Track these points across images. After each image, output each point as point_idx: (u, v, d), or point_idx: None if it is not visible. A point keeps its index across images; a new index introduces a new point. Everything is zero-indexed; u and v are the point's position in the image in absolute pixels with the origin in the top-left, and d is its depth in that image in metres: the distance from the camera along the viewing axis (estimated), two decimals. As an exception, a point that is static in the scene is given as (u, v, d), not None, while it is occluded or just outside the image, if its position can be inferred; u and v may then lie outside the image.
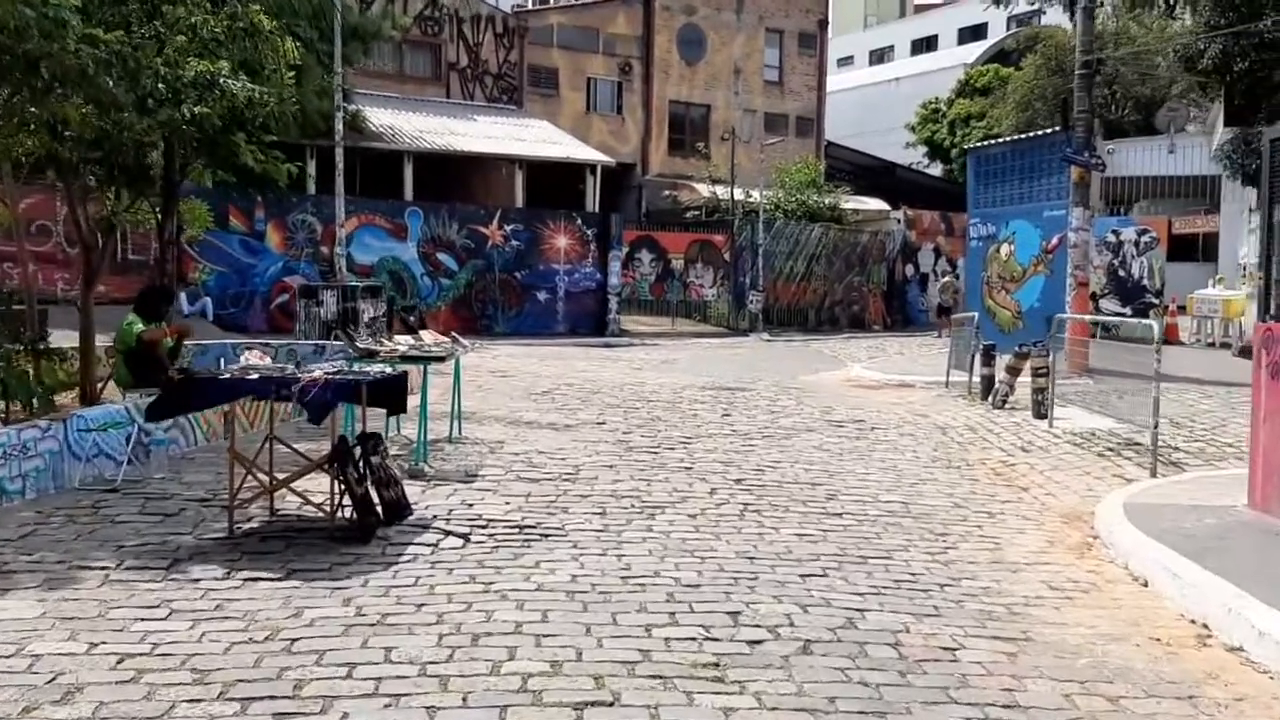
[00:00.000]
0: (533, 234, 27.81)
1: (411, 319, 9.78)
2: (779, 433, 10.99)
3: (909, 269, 37.48)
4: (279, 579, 5.59)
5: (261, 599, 5.27)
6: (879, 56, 62.58)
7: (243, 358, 6.98)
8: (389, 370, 7.08)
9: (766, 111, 39.87)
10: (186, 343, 10.15)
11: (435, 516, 6.88)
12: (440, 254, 27.00)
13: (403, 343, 8.81)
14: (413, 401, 9.00)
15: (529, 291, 27.94)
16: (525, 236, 27.71)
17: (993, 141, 23.75)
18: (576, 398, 13.18)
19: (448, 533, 6.47)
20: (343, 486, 6.30)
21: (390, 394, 6.92)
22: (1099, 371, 18.32)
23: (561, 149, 30.84)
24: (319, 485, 6.99)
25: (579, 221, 28.53)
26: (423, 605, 5.17)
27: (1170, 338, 19.95)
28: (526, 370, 17.22)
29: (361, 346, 8.32)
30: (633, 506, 7.30)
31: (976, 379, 15.15)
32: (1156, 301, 20.11)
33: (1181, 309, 20.10)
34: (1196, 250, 22.43)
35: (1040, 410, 12.30)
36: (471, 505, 7.22)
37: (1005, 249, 22.66)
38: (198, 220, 16.09)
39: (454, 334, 9.77)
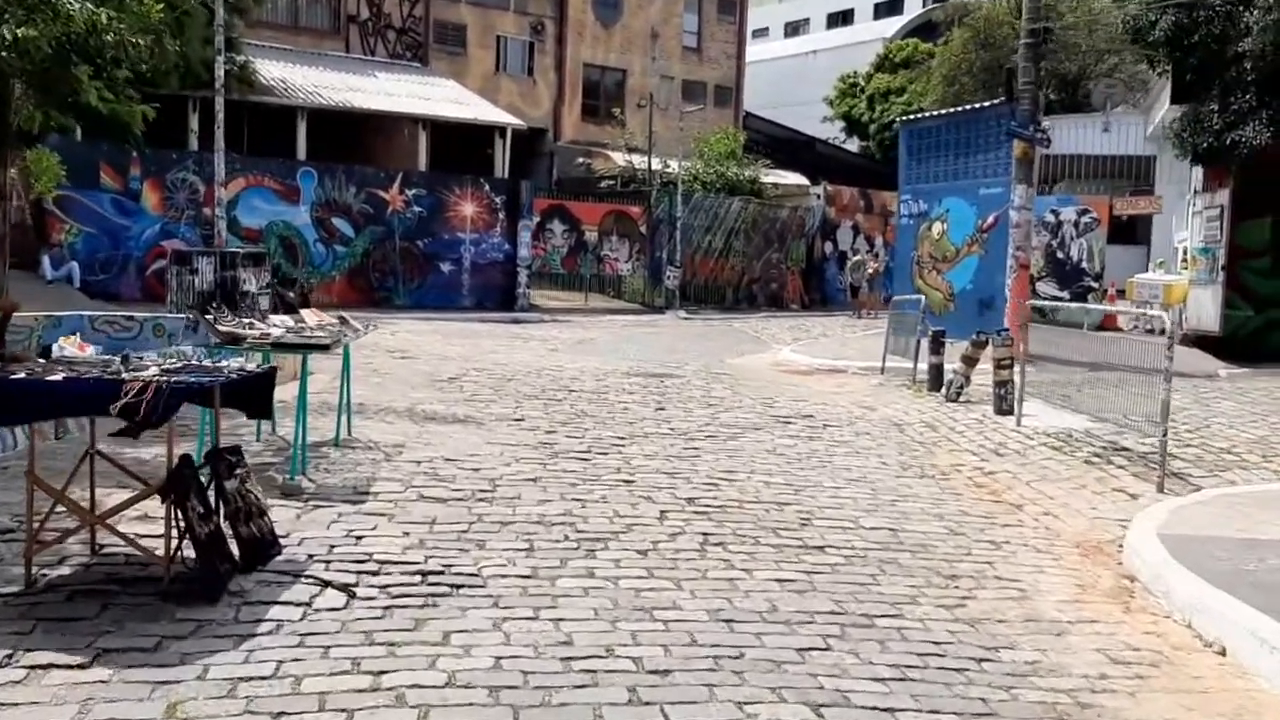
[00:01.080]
0: (437, 200, 25.92)
1: (291, 295, 7.95)
2: (723, 432, 9.59)
3: (828, 246, 36.53)
4: (81, 665, 3.97)
5: (47, 705, 3.66)
6: (794, 29, 61.53)
7: (55, 348, 5.26)
8: (251, 366, 5.42)
9: (685, 79, 38.39)
10: (28, 316, 8.30)
11: (311, 557, 5.29)
12: (335, 219, 24.95)
13: (278, 326, 7.13)
14: (290, 392, 7.35)
15: (432, 262, 26.07)
16: (428, 202, 25.81)
17: (926, 114, 22.73)
18: (488, 386, 11.58)
19: (325, 584, 4.89)
20: (182, 525, 4.68)
21: (253, 394, 5.28)
22: (1039, 358, 17.42)
23: (469, 110, 28.94)
24: (159, 514, 5.34)
25: (487, 188, 26.72)
26: (281, 717, 3.61)
27: (1108, 324, 19.16)
28: (430, 350, 15.52)
29: (224, 330, 6.63)
30: (567, 539, 5.80)
31: (923, 366, 14.01)
32: (1095, 285, 19.29)
33: (1121, 293, 19.35)
34: (1131, 233, 21.77)
35: (1003, 406, 11.15)
36: (360, 538, 5.63)
37: (938, 227, 21.67)
38: (46, 174, 13.96)
39: (343, 314, 8.10)
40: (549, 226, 28.98)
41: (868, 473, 8.18)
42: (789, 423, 10.43)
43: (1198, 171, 17.76)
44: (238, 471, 5.12)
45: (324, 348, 6.67)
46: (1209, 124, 16.06)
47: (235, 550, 4.98)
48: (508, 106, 32.33)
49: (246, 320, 7.19)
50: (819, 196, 36.07)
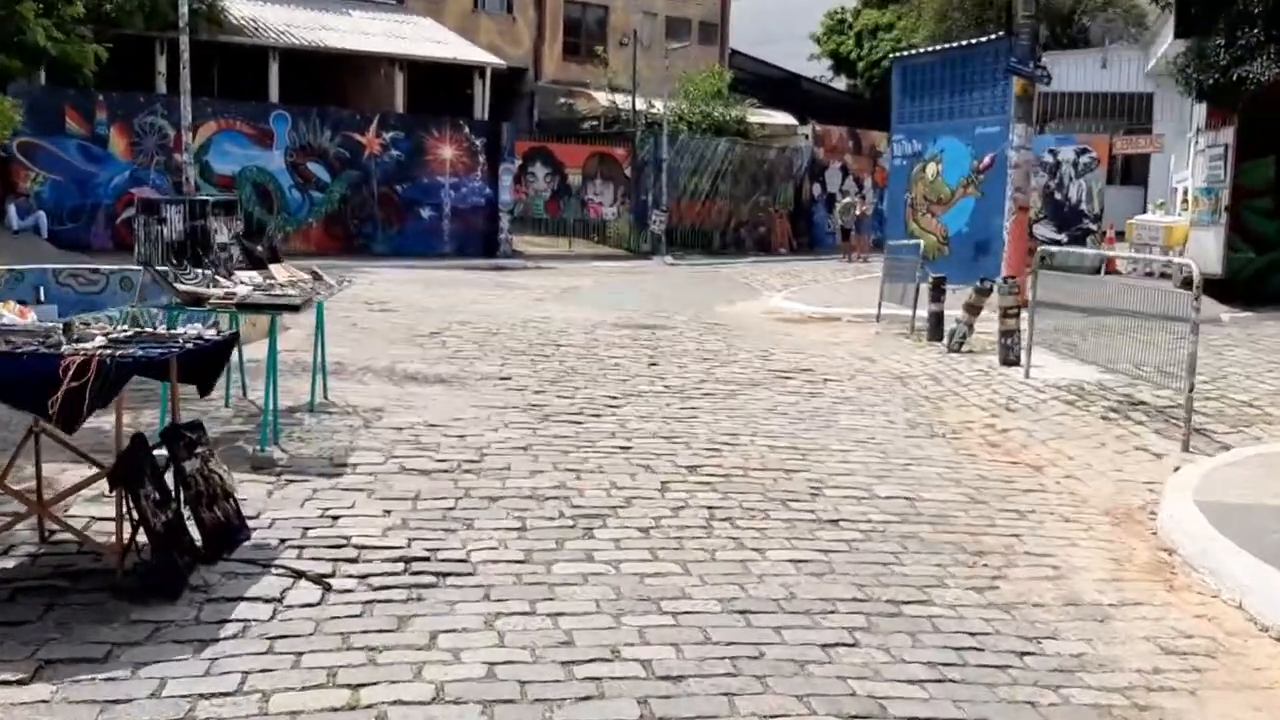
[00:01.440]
0: (415, 143, 25.16)
1: (259, 248, 7.38)
2: (720, 389, 9.13)
3: (816, 188, 35.90)
4: (21, 680, 3.51)
5: (-24, 732, 3.21)
6: (779, -36, 60.13)
7: (-9, 315, 4.71)
8: (212, 332, 4.90)
9: (668, 15, 37.38)
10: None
11: (283, 542, 4.82)
12: (311, 164, 24.21)
13: (245, 283, 6.60)
14: (264, 351, 6.83)
15: (411, 207, 25.39)
16: (406, 146, 25.05)
17: (920, 51, 22.05)
18: (472, 340, 11.07)
19: (298, 575, 4.43)
20: (135, 516, 4.20)
21: (207, 366, 4.77)
22: (1043, 305, 17.00)
23: (447, 49, 28.05)
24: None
25: (466, 130, 25.96)
26: (246, 745, 3.17)
27: (1108, 268, 18.73)
28: (410, 301, 14.97)
29: (185, 289, 6.10)
30: (562, 515, 5.35)
31: (922, 313, 13.58)
32: (1094, 228, 18.81)
33: (1120, 235, 18.89)
34: (1127, 173, 21.27)
35: (1009, 356, 10.72)
36: (336, 518, 5.16)
37: (932, 168, 21.12)
38: (1, 120, 13.23)
39: (316, 269, 7.55)
40: (531, 170, 28.27)
41: (875, 432, 7.75)
42: (788, 378, 9.98)
43: (1200, 109, 17.23)
44: (199, 450, 4.63)
45: (294, 308, 6.14)
46: (1215, 59, 15.49)
47: (198, 537, 4.51)
48: (487, 45, 31.40)
49: (211, 277, 6.65)
50: (807, 137, 35.37)
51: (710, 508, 5.58)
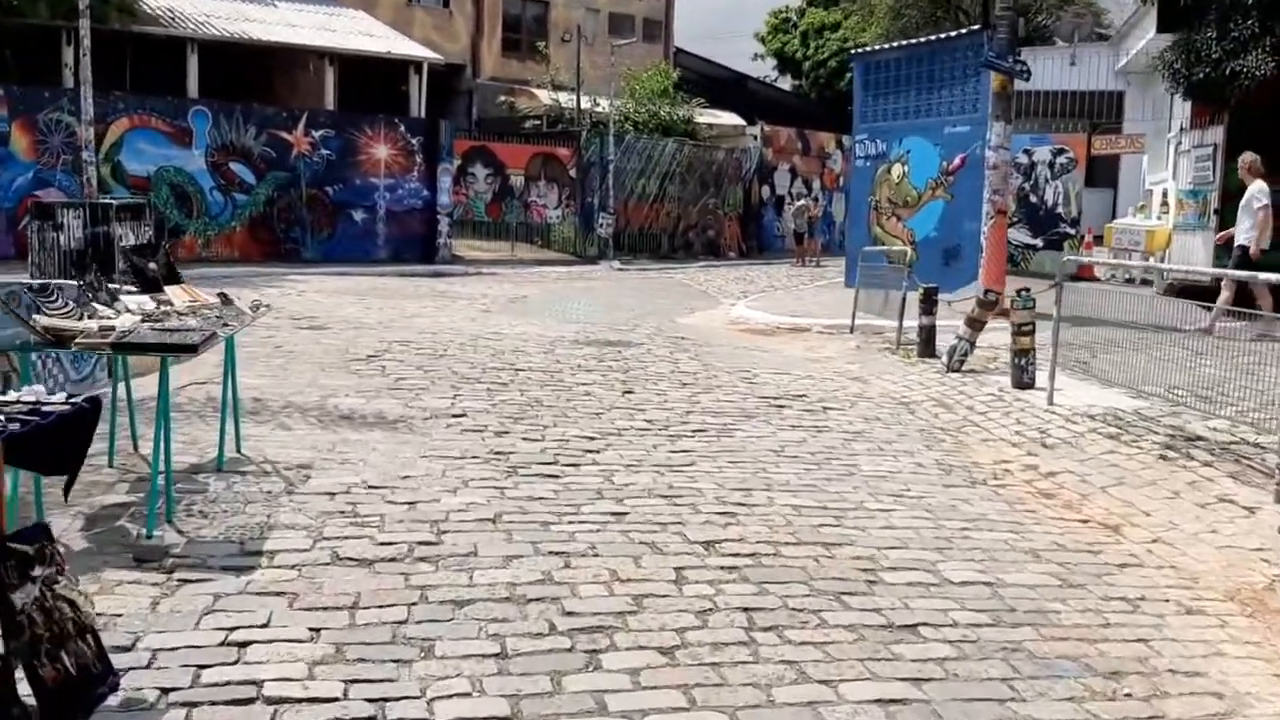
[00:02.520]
0: (347, 142, 23.51)
1: (151, 265, 5.85)
2: (711, 424, 7.81)
3: (765, 190, 34.85)
4: None
5: None
6: (719, -37, 59.19)
7: None
8: (59, 397, 3.44)
9: (611, 11, 36.08)
10: None
11: (165, 694, 3.39)
12: (234, 164, 22.45)
13: (131, 310, 5.12)
14: (148, 388, 5.35)
15: (343, 210, 23.73)
16: (337, 145, 23.40)
17: (884, 46, 20.99)
18: (416, 364, 9.61)
19: (183, 760, 3.01)
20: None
21: (56, 446, 3.32)
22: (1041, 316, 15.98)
23: (380, 42, 26.41)
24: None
25: (402, 128, 24.37)
26: None
27: (1085, 274, 17.79)
28: (343, 315, 13.43)
29: (47, 322, 4.63)
30: (553, 630, 3.97)
31: (909, 323, 12.44)
32: (1072, 232, 17.86)
33: (1099, 240, 17.98)
34: (1094, 175, 20.39)
35: (1023, 378, 9.57)
36: (244, 646, 3.73)
37: (897, 170, 20.06)
38: None
39: (225, 293, 6.06)
40: (471, 170, 26.73)
41: (907, 481, 6.48)
42: (782, 406, 8.70)
43: (1185, 107, 16.35)
44: (39, 571, 3.18)
45: (190, 349, 4.67)
46: (1206, 53, 14.58)
47: (34, 701, 3.07)
48: (422, 40, 29.80)
49: (88, 302, 5.15)
50: (756, 138, 34.28)
51: (747, 610, 4.24)
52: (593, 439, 7.11)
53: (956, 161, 18.71)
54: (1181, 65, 15.04)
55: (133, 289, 5.60)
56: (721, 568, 4.69)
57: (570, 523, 5.18)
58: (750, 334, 14.90)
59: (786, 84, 43.52)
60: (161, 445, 4.77)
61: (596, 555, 4.74)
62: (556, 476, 6.06)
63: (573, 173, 28.25)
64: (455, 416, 7.46)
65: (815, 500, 5.86)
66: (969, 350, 10.70)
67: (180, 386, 7.61)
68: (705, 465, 6.56)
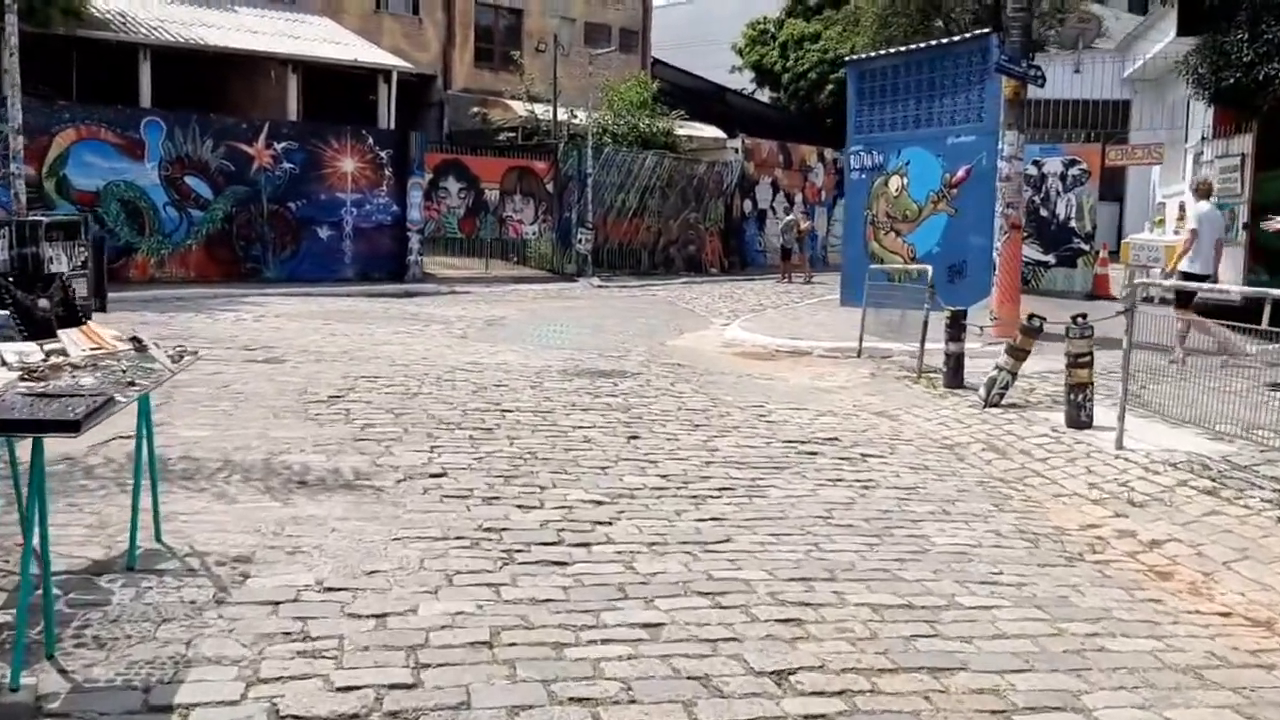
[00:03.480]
0: (311, 155, 22.14)
1: (42, 303, 4.53)
2: (738, 479, 6.58)
3: (747, 205, 33.75)
4: None
5: None
6: (693, -26, 58.21)
7: None
8: None
9: (587, 21, 34.86)
10: None
11: None
12: (190, 178, 21.02)
13: (4, 366, 3.83)
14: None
15: (307, 227, 22.35)
16: (301, 158, 22.03)
17: (880, 53, 19.95)
18: (385, 406, 8.30)
19: None
20: None
21: None
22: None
23: (346, 50, 25.09)
24: None
25: (370, 141, 23.03)
26: None
27: (1100, 292, 16.75)
28: (304, 344, 12.10)
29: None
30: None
31: (933, 347, 11.33)
32: (1086, 248, 16.81)
33: (1114, 255, 16.96)
34: (1109, 187, 19.44)
35: (1080, 417, 8.42)
36: None
37: (896, 182, 18.95)
38: None
39: (140, 338, 4.76)
40: (443, 185, 25.39)
41: (993, 558, 5.28)
42: (814, 453, 7.49)
43: (1207, 115, 15.38)
44: None
45: (71, 426, 3.34)
46: (1236, 56, 13.60)
47: None
48: (392, 50, 28.49)
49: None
50: (737, 151, 33.17)
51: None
52: (601, 503, 5.86)
53: (960, 173, 17.63)
54: (1208, 70, 14.06)
55: (14, 335, 4.31)
56: (806, 716, 3.43)
57: (591, 643, 3.91)
58: (749, 359, 13.74)
59: (764, 96, 42.45)
60: (34, 551, 3.46)
61: (634, 702, 3.46)
62: (564, 564, 4.79)
63: (550, 186, 26.99)
64: (434, 476, 6.18)
65: (894, 594, 4.63)
66: (1010, 382, 9.55)
67: (99, 443, 6.28)
68: (744, 540, 5.32)
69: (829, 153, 36.86)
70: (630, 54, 36.00)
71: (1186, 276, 11.70)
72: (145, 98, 21.49)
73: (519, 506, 5.68)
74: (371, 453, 6.62)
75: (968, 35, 17.29)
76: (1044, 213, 17.19)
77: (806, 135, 37.34)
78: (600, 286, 25.64)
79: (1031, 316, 9.43)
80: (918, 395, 10.41)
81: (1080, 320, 8.49)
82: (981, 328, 11.08)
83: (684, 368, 11.88)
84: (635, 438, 7.62)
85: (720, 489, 6.34)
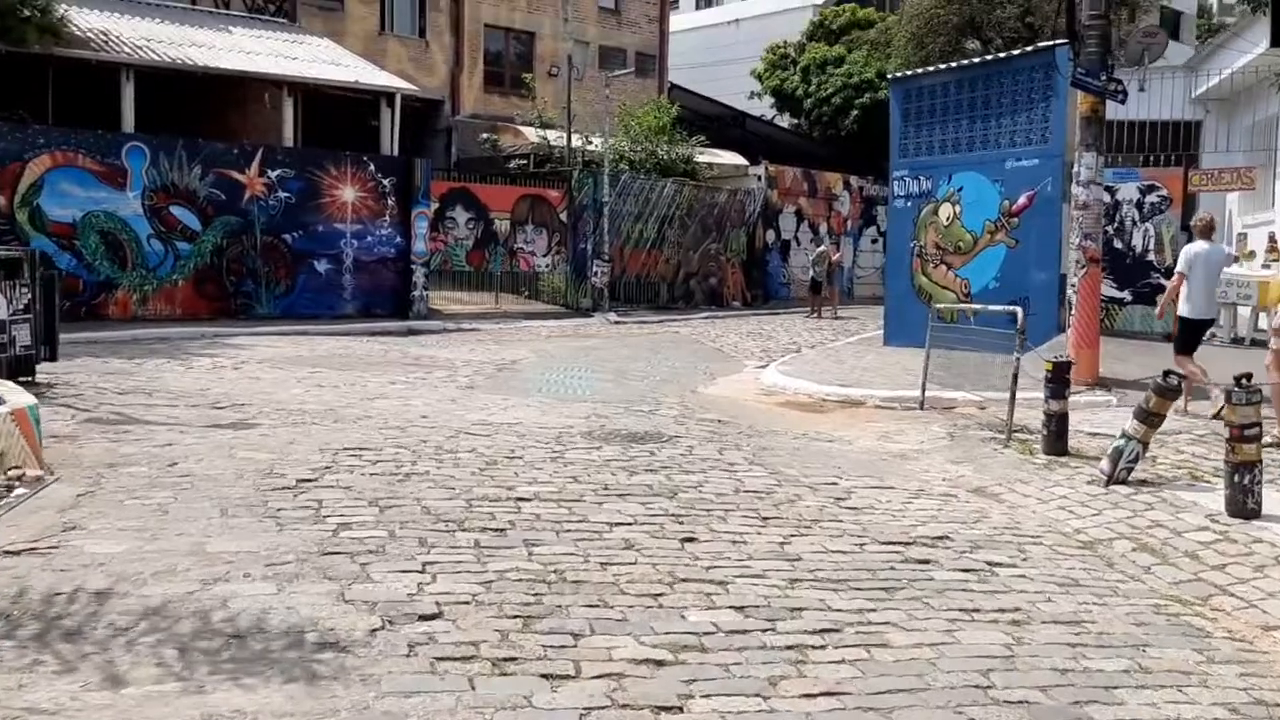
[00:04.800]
0: (308, 183, 20.57)
1: None
2: (842, 613, 4.79)
3: (769, 235, 32.11)
4: None
5: None
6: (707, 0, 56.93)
7: None
8: None
9: (601, 44, 33.39)
10: None
11: None
12: (176, 208, 19.46)
13: None
14: None
15: (304, 260, 20.75)
16: (298, 186, 20.46)
17: (927, 69, 18.34)
18: (368, 495, 6.53)
19: None
20: None
21: None
22: (1117, 383, 13.15)
23: (347, 71, 23.55)
24: None
25: (372, 168, 21.46)
26: None
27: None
28: (281, 399, 10.36)
29: None
30: None
31: (1027, 395, 9.62)
32: (1166, 283, 15.05)
33: (1197, 292, 15.16)
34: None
35: (1246, 504, 6.64)
36: None
37: (946, 211, 17.28)
38: None
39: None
40: (450, 215, 23.79)
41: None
42: (924, 561, 5.72)
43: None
44: None
45: None
46: (1353, 66, 11.92)
47: None
48: (397, 73, 26.97)
49: None
50: (759, 178, 31.58)
51: None
52: (661, 664, 4.09)
53: (1022, 200, 15.95)
54: (1315, 81, 12.38)
55: None
56: None
57: None
58: (797, 411, 12.03)
59: (784, 122, 40.88)
60: None
61: None
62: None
63: (563, 216, 25.36)
64: (424, 618, 4.40)
65: None
66: (1140, 454, 7.77)
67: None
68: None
69: (855, 180, 35.26)
70: (646, 78, 34.49)
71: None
72: (128, 122, 19.92)
73: (545, 676, 3.91)
74: (342, 577, 4.86)
75: (1029, 49, 15.63)
76: (1118, 244, 15.46)
77: (830, 162, 35.77)
78: (617, 322, 23.98)
79: (1168, 374, 7.66)
80: (1015, 464, 8.64)
81: (1245, 382, 6.71)
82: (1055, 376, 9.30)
83: (726, 425, 10.14)
84: (691, 540, 5.86)
85: (820, 630, 4.56)
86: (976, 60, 17.19)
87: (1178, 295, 10.77)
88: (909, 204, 17.93)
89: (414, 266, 21.81)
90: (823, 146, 37.85)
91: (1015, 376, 9.83)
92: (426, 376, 12.88)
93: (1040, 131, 15.69)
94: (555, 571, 5.12)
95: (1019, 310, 10.33)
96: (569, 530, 5.88)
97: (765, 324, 24.36)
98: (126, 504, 5.91)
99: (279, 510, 5.94)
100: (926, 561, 5.73)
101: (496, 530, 5.79)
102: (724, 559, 5.54)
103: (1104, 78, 12.97)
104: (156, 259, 19.35)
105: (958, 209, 17.05)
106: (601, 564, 5.30)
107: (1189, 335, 10.88)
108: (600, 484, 7.06)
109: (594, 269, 25.06)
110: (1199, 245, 10.78)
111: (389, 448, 7.86)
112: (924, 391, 12.22)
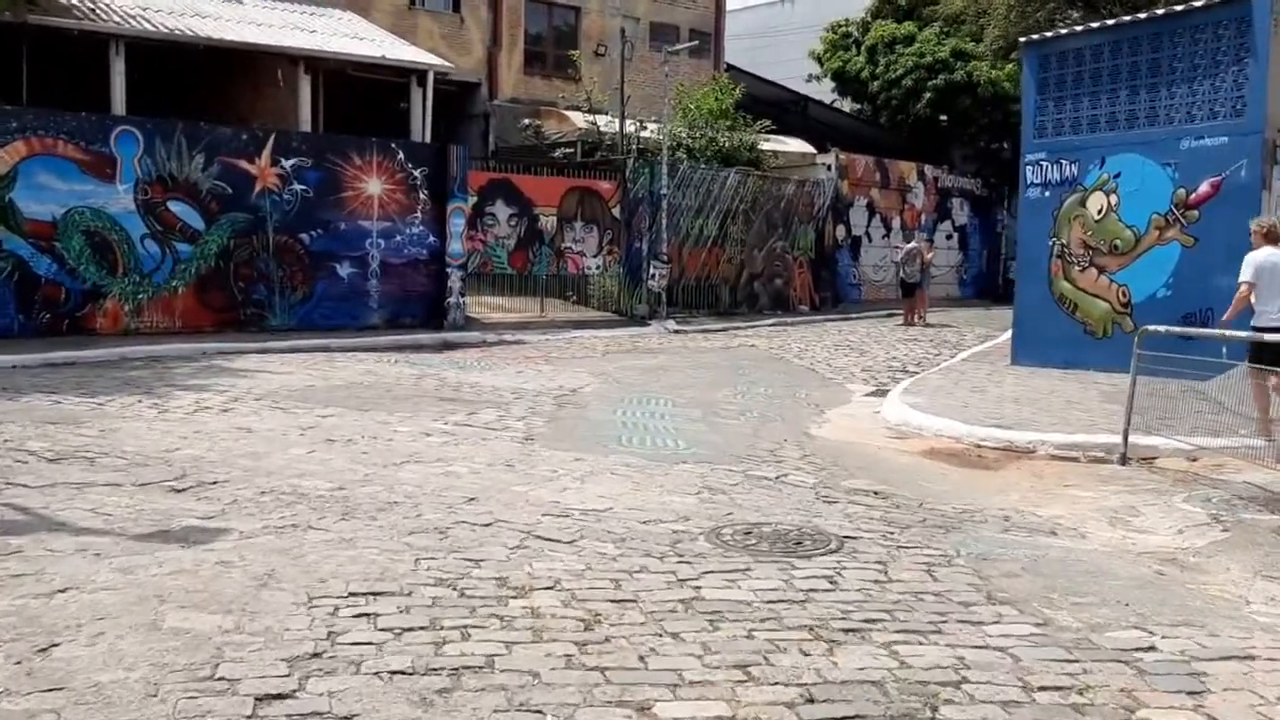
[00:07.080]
0: (328, 174, 17.72)
1: None
2: None
3: (839, 231, 29.02)
4: None
5: None
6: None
7: None
8: None
9: (653, 20, 30.40)
10: None
11: None
12: (175, 203, 16.65)
13: None
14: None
15: (324, 263, 17.91)
16: (316, 177, 17.61)
17: (1071, 30, 15.22)
18: (378, 697, 3.59)
19: None
20: None
21: None
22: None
23: (373, 46, 20.66)
24: None
25: (401, 156, 18.57)
26: None
27: None
28: (274, 468, 7.43)
29: None
30: None
31: (1229, 446, 6.58)
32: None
33: None
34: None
35: None
36: None
37: (1097, 201, 14.16)
38: None
39: None
40: (490, 210, 20.88)
41: None
42: None
43: None
44: None
45: None
46: None
47: None
48: (428, 52, 24.12)
49: None
50: (829, 167, 28.49)
51: None
52: None
53: (1204, 189, 12.85)
54: None
55: None
56: None
57: None
58: (956, 467, 9.12)
59: (845, 106, 37.71)
60: None
61: None
62: None
63: (616, 211, 22.38)
64: None
65: None
66: None
67: None
68: None
69: (929, 170, 32.10)
70: (701, 58, 31.44)
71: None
72: (118, 103, 17.11)
73: None
74: None
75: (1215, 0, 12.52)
76: (1337, 243, 12.21)
77: (899, 151, 32.62)
78: (677, 331, 21.04)
79: None
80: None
81: None
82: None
83: (888, 500, 7.18)
84: None
85: None
86: (1143, 15, 14.03)
87: (1247, 306, 9.66)
88: (1047, 194, 14.83)
89: (449, 269, 18.95)
90: (890, 134, 34.69)
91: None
92: (471, 420, 9.95)
93: (1230, 103, 12.58)
94: None
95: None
96: None
97: (848, 334, 21.32)
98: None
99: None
100: None
101: None
102: None
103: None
104: (152, 263, 16.56)
105: (1113, 199, 13.94)
106: None
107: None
108: (790, 676, 4.07)
109: (651, 271, 22.09)
110: (1265, 252, 9.72)
111: (423, 587, 4.90)
112: (1126, 438, 9.22)
